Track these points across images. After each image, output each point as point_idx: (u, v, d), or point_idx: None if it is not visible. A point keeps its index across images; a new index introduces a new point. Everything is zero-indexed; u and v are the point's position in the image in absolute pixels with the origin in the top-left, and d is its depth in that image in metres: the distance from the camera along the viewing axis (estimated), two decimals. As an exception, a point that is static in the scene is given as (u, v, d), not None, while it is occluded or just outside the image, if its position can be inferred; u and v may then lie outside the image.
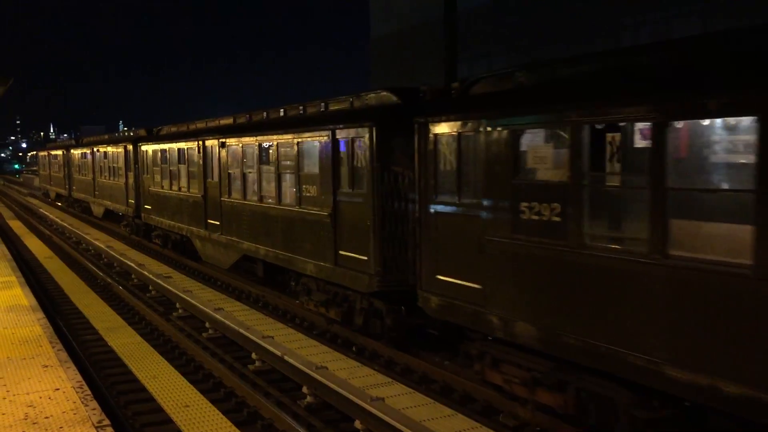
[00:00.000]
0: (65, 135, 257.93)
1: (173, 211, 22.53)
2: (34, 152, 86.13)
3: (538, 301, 8.48)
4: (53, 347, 9.45)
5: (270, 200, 15.74)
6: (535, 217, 8.43)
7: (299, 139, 14.27)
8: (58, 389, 7.65)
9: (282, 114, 16.43)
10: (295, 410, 9.91)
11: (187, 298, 15.55)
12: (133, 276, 19.91)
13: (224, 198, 18.28)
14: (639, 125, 7.49)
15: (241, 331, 12.64)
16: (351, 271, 12.53)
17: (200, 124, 22.28)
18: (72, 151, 41.83)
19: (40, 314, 11.57)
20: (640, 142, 7.55)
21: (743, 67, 6.45)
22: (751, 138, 6.15)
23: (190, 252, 22.15)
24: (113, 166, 30.53)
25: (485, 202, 9.28)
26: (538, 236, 8.39)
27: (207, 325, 14.24)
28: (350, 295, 13.09)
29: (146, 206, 25.60)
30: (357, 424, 8.86)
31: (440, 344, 11.97)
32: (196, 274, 20.54)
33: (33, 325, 10.74)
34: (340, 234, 12.85)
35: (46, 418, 6.94)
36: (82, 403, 7.23)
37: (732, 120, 6.77)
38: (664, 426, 7.44)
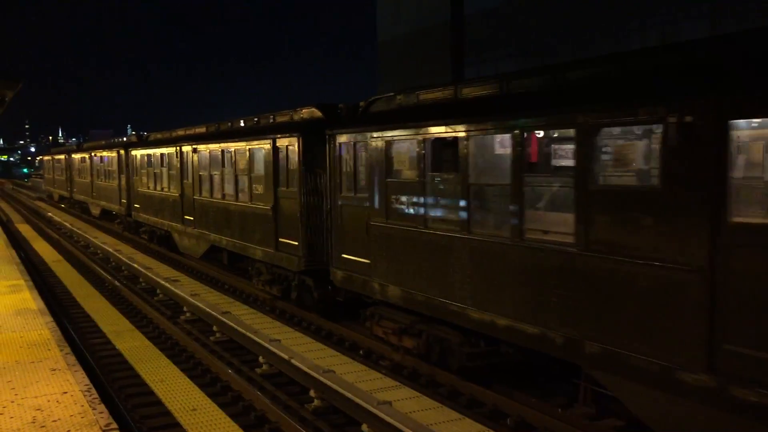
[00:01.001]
0: (74, 139, 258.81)
1: (157, 208, 25.36)
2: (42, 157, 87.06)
3: (401, 269, 11.43)
4: (61, 351, 9.47)
5: (230, 197, 18.63)
6: (399, 206, 11.50)
7: (251, 146, 17.14)
8: (66, 393, 7.66)
9: (242, 124, 19.36)
10: (302, 414, 9.91)
11: (195, 302, 15.58)
12: (141, 279, 19.97)
13: (196, 196, 21.13)
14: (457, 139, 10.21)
15: (249, 334, 12.65)
16: (287, 254, 15.35)
17: (180, 132, 24.99)
18: (73, 155, 44.77)
19: (48, 318, 11.58)
20: (455, 152, 10.29)
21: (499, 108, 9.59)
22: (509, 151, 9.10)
23: (172, 246, 24.45)
24: (108, 170, 33.42)
25: (370, 196, 12.21)
26: (400, 221, 11.45)
27: (214, 328, 14.27)
28: (288, 275, 15.85)
29: (136, 205, 28.48)
30: (364, 427, 8.85)
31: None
32: (204, 277, 20.58)
33: (41, 328, 10.77)
34: (279, 224, 15.71)
35: (54, 421, 6.95)
36: (90, 406, 7.24)
37: (499, 137, 9.98)
38: (483, 358, 10.41)
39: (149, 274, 19.36)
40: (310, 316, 15.29)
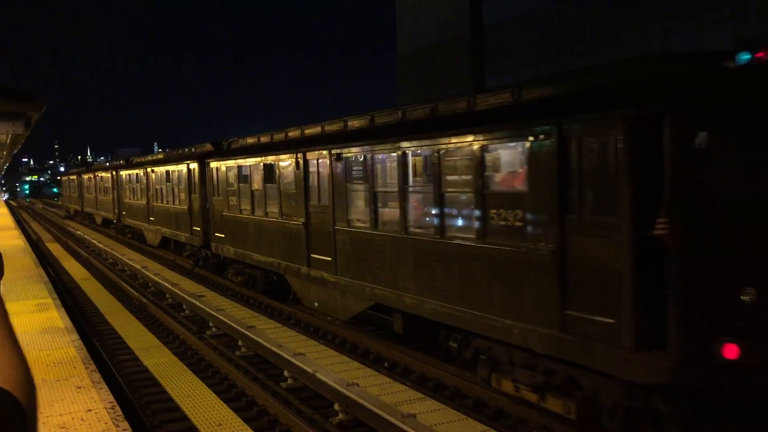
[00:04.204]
0: (101, 158, 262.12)
1: (135, 214, 34.59)
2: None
3: (235, 238, 20.35)
4: (87, 368, 9.53)
5: (170, 203, 27.50)
6: (233, 204, 20.30)
7: (178, 168, 26.04)
8: (90, 410, 7.70)
9: (178, 152, 28.44)
10: (327, 428, 9.88)
11: (220, 317, 15.64)
12: (167, 295, 20.10)
13: (154, 203, 30.28)
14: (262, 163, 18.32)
15: (273, 348, 12.66)
16: (195, 236, 24.33)
17: (149, 158, 35.63)
18: (83, 175, 53.83)
19: (75, 336, 11.67)
20: (249, 173, 19.21)
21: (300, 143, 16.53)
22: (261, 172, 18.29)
23: (144, 240, 33.37)
24: (106, 186, 42.23)
25: (222, 197, 21.32)
26: (233, 211, 20.27)
27: (240, 343, 14.30)
28: (196, 250, 24.80)
29: (123, 213, 37.51)
30: (389, 441, 8.79)
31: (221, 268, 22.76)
32: (229, 292, 20.67)
33: (68, 346, 10.86)
34: (192, 218, 24.35)
35: (79, 439, 6.99)
36: (114, 424, 7.27)
37: (258, 165, 18.42)
38: (271, 284, 18.68)
39: (175, 290, 19.49)
40: (335, 329, 15.36)
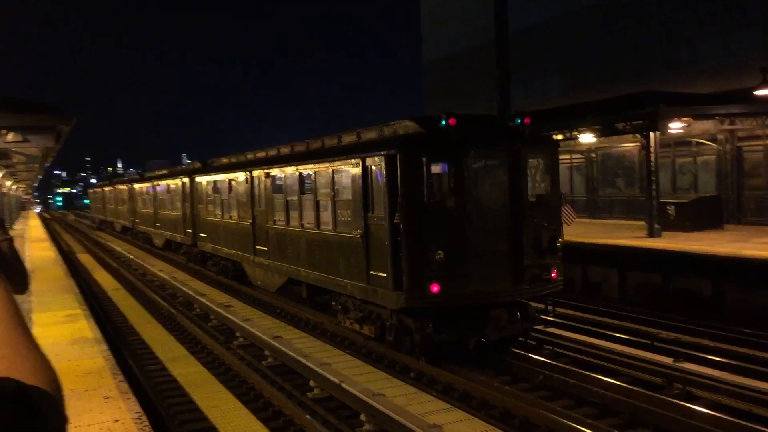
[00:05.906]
0: (132, 169, 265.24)
1: (146, 220, 40.55)
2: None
3: (212, 237, 25.96)
4: (115, 379, 9.57)
5: (170, 210, 33.37)
6: (210, 210, 26.13)
7: (175, 182, 32.28)
8: (117, 421, 7.73)
9: (176, 168, 37.18)
10: (353, 438, 9.85)
11: (247, 327, 15.71)
12: (195, 306, 20.23)
13: (159, 211, 36.29)
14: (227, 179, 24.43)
15: (300, 358, 12.68)
16: (187, 237, 29.75)
17: (156, 173, 42.01)
18: (105, 188, 63.16)
19: (104, 346, 11.72)
20: (219, 186, 25.62)
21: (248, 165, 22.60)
22: (226, 186, 24.69)
23: (152, 243, 39.57)
24: (123, 198, 49.28)
25: (204, 205, 27.08)
26: (209, 216, 26.12)
27: (266, 353, 14.33)
28: (189, 248, 30.15)
29: (137, 221, 44.02)
30: (415, 451, 8.74)
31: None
32: (256, 302, 20.76)
33: (96, 357, 10.92)
34: (185, 223, 29.87)
35: (106, 449, 7.02)
36: (140, 434, 7.31)
37: (220, 181, 25.46)
38: (238, 272, 23.59)
39: (203, 300, 19.62)
40: (360, 339, 15.23)
